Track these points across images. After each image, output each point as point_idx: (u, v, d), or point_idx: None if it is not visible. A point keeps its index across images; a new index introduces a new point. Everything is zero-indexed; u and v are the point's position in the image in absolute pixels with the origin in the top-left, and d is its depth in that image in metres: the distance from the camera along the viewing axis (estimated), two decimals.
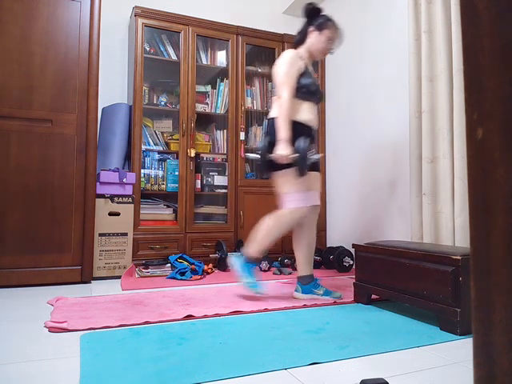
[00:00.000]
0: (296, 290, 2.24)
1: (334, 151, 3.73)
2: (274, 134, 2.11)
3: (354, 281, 2.19)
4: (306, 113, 2.18)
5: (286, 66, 2.15)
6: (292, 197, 2.15)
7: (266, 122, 2.18)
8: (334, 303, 2.10)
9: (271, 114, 2.23)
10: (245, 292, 2.24)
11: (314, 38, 2.27)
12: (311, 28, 2.28)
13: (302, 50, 2.30)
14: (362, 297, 2.10)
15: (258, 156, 2.24)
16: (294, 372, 1.24)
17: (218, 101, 3.54)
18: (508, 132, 0.37)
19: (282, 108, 2.08)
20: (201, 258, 3.20)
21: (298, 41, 2.34)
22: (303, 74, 2.19)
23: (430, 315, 1.87)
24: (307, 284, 2.20)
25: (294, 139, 2.08)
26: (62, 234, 2.55)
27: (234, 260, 2.23)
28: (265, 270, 3.16)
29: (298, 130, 2.13)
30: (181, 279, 2.74)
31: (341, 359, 1.34)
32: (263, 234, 2.18)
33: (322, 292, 2.19)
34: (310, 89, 2.19)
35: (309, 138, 2.14)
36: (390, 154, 3.08)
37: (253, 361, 1.31)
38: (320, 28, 2.27)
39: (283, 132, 2.05)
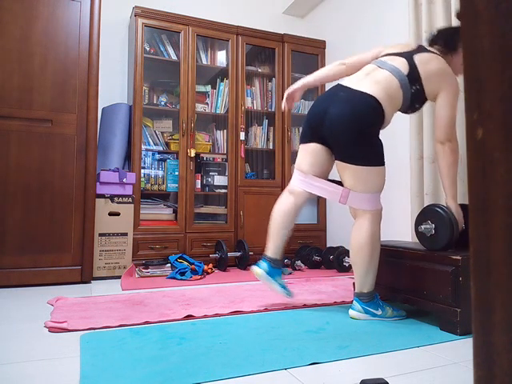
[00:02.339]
0: (259, 266, 1.94)
1: None
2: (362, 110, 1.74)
3: (354, 281, 2.18)
4: None
5: (456, 97, 1.80)
6: (377, 197, 1.84)
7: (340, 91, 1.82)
8: (334, 303, 2.10)
9: (372, 90, 1.76)
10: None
11: (460, 60, 1.86)
12: (459, 45, 1.86)
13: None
14: None
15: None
16: (293, 372, 1.24)
17: (218, 101, 3.54)
18: (508, 132, 0.37)
19: (449, 158, 1.76)
20: (201, 258, 3.20)
21: (446, 45, 1.89)
22: None
23: (430, 315, 1.87)
24: (277, 268, 1.94)
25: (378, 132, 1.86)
26: (62, 233, 2.55)
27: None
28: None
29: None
30: (181, 279, 2.74)
31: (341, 359, 1.34)
32: (362, 266, 1.81)
33: (281, 282, 1.96)
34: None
35: None
36: (390, 154, 3.08)
37: (253, 361, 1.31)
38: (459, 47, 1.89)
39: (454, 189, 1.78)
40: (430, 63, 1.80)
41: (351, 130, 1.73)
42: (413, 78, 1.79)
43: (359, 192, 1.79)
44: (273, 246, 1.95)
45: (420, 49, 1.88)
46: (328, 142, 1.83)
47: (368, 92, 1.75)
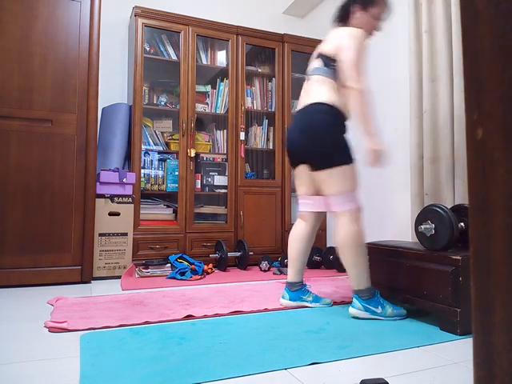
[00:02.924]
0: (283, 297, 2.06)
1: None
2: (315, 125, 1.87)
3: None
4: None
5: (359, 43, 1.86)
6: (352, 196, 1.87)
7: (297, 111, 1.99)
8: (334, 303, 2.10)
9: (312, 99, 1.92)
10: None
11: (360, 19, 1.97)
12: (356, 7, 1.99)
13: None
14: None
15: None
16: (294, 372, 1.24)
17: (218, 101, 3.54)
18: (508, 132, 0.37)
19: (359, 98, 1.79)
20: (201, 258, 3.20)
21: (340, 18, 2.05)
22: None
23: (430, 315, 1.87)
24: (296, 291, 2.04)
25: (344, 129, 1.89)
26: (62, 233, 2.55)
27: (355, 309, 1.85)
28: (265, 270, 3.16)
29: (345, 117, 1.93)
30: (181, 279, 2.74)
31: (341, 359, 1.34)
32: (352, 265, 1.86)
33: (311, 298, 2.04)
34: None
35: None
36: (390, 154, 3.08)
37: (253, 361, 1.31)
38: (365, 6, 1.98)
39: (372, 124, 1.79)
40: (331, 39, 1.95)
41: (311, 138, 1.87)
42: (328, 63, 1.93)
43: (334, 195, 1.87)
44: (293, 272, 2.06)
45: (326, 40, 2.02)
46: (305, 160, 1.96)
47: (312, 101, 1.90)
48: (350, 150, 1.87)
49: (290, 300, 2.03)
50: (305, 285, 2.07)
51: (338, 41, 1.89)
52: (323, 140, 1.85)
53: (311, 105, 1.90)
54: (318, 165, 1.88)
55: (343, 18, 2.04)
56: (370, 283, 1.86)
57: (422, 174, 2.58)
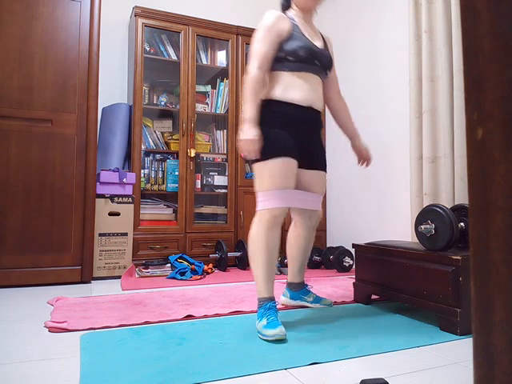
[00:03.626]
0: (283, 295, 2.04)
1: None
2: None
3: (353, 281, 2.19)
4: (294, 89, 1.70)
5: (260, 32, 1.68)
6: (263, 196, 1.68)
7: None
8: (334, 303, 2.10)
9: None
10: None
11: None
12: None
13: (292, 11, 1.82)
14: (362, 297, 2.10)
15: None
16: (293, 372, 1.24)
17: (218, 101, 3.54)
18: (508, 132, 0.37)
19: (246, 84, 1.64)
20: (201, 258, 3.20)
21: (283, 5, 1.86)
22: (289, 37, 1.70)
23: (429, 315, 1.87)
24: (297, 291, 2.01)
25: (269, 123, 1.68)
26: (62, 234, 2.55)
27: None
28: None
29: (278, 110, 1.69)
30: (181, 279, 2.74)
31: (341, 359, 1.34)
32: (252, 264, 1.71)
33: (311, 299, 2.00)
34: (298, 55, 1.68)
35: (295, 120, 1.71)
36: (390, 154, 3.08)
37: (253, 361, 1.31)
38: None
39: (248, 111, 1.62)
40: None
41: None
42: None
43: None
44: (291, 272, 2.03)
45: None
46: None
47: None
48: (272, 144, 1.66)
49: (290, 299, 2.02)
50: (306, 285, 2.05)
51: None
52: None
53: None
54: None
55: (285, 4, 1.86)
56: (266, 294, 1.64)
57: (422, 173, 2.58)
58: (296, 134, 1.73)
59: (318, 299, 2.03)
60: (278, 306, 1.99)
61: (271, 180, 1.65)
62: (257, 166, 1.69)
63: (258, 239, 1.66)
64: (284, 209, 1.68)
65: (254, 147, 1.59)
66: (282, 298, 2.04)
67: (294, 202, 1.75)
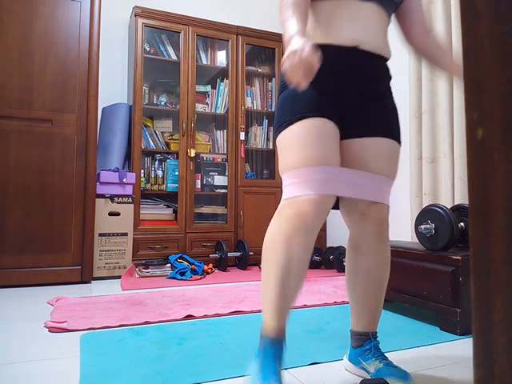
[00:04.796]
0: (350, 354, 1.28)
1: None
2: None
3: None
4: (332, 24, 1.15)
5: None
6: (288, 177, 1.12)
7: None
8: (334, 303, 2.10)
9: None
10: None
11: None
12: None
13: None
14: None
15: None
16: (294, 372, 1.24)
17: (218, 101, 3.54)
18: (508, 132, 0.37)
19: (282, 3, 1.09)
20: (201, 258, 3.20)
21: None
22: None
23: (430, 315, 1.87)
24: (356, 347, 1.25)
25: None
26: (62, 233, 2.55)
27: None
28: None
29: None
30: (181, 279, 2.74)
31: (341, 359, 1.33)
32: (262, 280, 1.14)
33: (373, 369, 1.18)
34: None
35: (335, 68, 1.14)
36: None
37: (253, 361, 1.30)
38: None
39: (290, 27, 1.03)
40: None
41: None
42: None
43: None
44: (354, 313, 1.29)
45: None
46: None
47: None
48: (298, 101, 1.13)
49: (348, 360, 1.28)
50: (371, 339, 1.24)
51: None
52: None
53: None
54: None
55: None
56: (273, 329, 1.09)
57: (421, 173, 2.58)
58: (338, 88, 1.15)
59: (388, 372, 1.14)
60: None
61: (301, 152, 1.09)
62: (280, 138, 1.16)
63: (273, 245, 1.09)
64: (323, 198, 1.07)
65: (307, 61, 0.93)
66: (345, 358, 1.30)
67: (342, 186, 1.11)
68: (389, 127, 1.20)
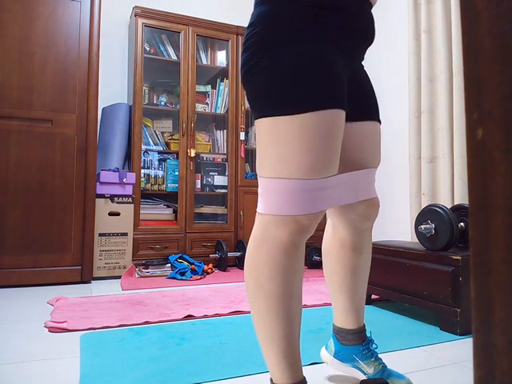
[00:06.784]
0: (326, 347, 1.22)
1: None
2: None
3: None
4: None
5: None
6: (281, 187, 0.86)
7: None
8: None
9: None
10: None
11: None
12: None
13: None
14: None
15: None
16: None
17: (218, 101, 3.54)
18: (508, 132, 0.37)
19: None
20: (201, 258, 3.20)
21: None
22: None
23: (430, 315, 1.87)
24: (349, 345, 1.15)
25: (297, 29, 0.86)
26: (62, 233, 2.55)
27: None
28: None
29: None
30: (181, 279, 2.74)
31: None
32: (255, 321, 0.91)
33: (372, 369, 1.11)
34: None
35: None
36: (389, 154, 3.08)
37: (253, 361, 1.31)
38: None
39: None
40: None
41: None
42: None
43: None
44: (338, 309, 1.18)
45: None
46: None
47: None
48: (308, 78, 0.83)
49: (335, 357, 1.19)
50: (366, 338, 1.16)
51: None
52: None
53: None
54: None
55: None
56: (289, 381, 0.87)
57: (420, 173, 2.58)
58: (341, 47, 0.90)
59: (388, 374, 1.10)
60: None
61: (304, 158, 0.84)
62: (271, 126, 0.88)
63: (271, 276, 0.86)
64: (320, 214, 0.88)
65: None
66: (324, 352, 1.22)
67: (343, 194, 0.97)
68: (374, 107, 1.05)
